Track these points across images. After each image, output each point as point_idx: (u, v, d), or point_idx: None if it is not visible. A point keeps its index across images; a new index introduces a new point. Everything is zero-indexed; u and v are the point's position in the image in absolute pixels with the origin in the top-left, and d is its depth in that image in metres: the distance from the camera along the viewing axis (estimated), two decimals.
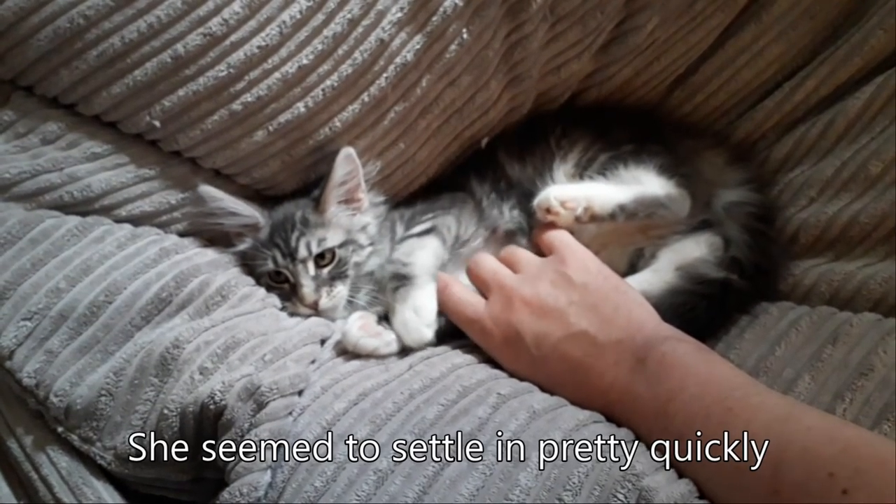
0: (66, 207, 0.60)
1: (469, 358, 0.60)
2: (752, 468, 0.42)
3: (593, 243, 0.66)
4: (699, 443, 0.45)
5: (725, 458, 0.43)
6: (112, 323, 0.55)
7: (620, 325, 0.55)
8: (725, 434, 0.44)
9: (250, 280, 0.63)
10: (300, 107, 0.62)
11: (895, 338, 0.54)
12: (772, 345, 0.59)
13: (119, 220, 0.62)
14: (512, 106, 0.74)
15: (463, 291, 0.63)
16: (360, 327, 0.60)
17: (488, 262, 0.64)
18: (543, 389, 0.56)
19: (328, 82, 0.61)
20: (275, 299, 0.63)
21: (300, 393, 0.52)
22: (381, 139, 0.67)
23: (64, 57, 0.58)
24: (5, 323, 0.53)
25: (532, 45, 0.68)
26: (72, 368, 0.53)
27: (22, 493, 0.53)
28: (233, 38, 0.59)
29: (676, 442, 0.47)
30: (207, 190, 0.63)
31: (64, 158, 0.60)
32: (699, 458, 0.45)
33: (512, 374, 0.59)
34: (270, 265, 0.65)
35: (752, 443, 0.42)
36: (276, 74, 0.60)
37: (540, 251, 0.66)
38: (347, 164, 0.65)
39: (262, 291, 0.62)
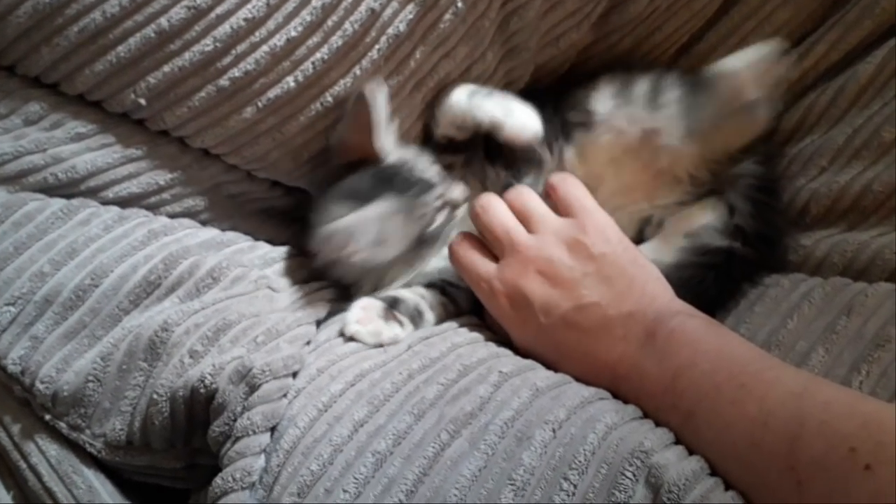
0: (51, 190, 0.58)
1: (470, 337, 0.58)
2: (767, 444, 0.40)
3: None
4: (710, 419, 0.43)
5: (738, 435, 0.41)
6: (99, 307, 0.53)
7: (633, 300, 0.53)
8: (738, 410, 0.42)
9: (243, 261, 0.60)
10: (290, 81, 0.59)
11: None
12: (783, 317, 0.57)
13: (106, 203, 0.59)
14: (509, 79, 0.72)
15: (476, 248, 0.60)
16: (358, 321, 0.58)
17: (500, 214, 0.59)
18: (547, 365, 0.54)
19: (318, 55, 0.59)
20: (269, 280, 0.60)
21: (294, 374, 0.50)
22: None
23: (45, 33, 0.56)
24: None
25: (529, 15, 0.66)
26: (58, 354, 0.52)
27: (11, 483, 0.52)
28: (218, 10, 0.56)
29: (686, 419, 0.45)
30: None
31: (47, 139, 0.58)
32: (710, 436, 0.43)
33: (515, 344, 0.57)
34: None
35: (767, 419, 0.40)
36: (264, 48, 0.58)
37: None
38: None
39: (255, 273, 0.60)
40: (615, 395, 0.50)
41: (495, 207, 0.60)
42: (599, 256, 0.56)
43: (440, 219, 0.65)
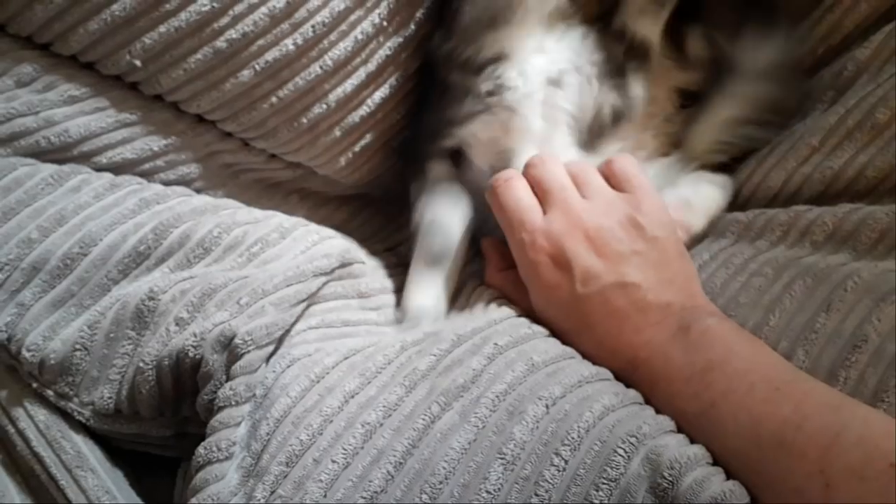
0: (44, 154, 0.54)
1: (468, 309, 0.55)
2: (798, 445, 0.38)
3: None
4: (736, 413, 0.41)
5: (766, 432, 0.39)
6: (87, 276, 0.50)
7: (674, 291, 0.50)
8: (770, 409, 0.40)
9: (236, 224, 0.56)
10: (288, 44, 0.56)
11: (891, 302, 0.48)
12: (766, 312, 0.53)
13: (99, 168, 0.56)
14: None
15: (526, 192, 0.55)
16: None
17: (557, 171, 0.55)
18: (560, 332, 0.51)
19: (318, 18, 0.56)
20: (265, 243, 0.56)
21: (280, 341, 0.47)
22: (374, 79, 0.61)
23: None
24: None
25: None
26: (45, 322, 0.48)
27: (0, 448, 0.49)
28: None
29: (707, 408, 0.42)
30: None
31: (40, 101, 0.54)
32: (732, 428, 0.41)
33: (533, 304, 0.54)
34: None
35: (802, 422, 0.39)
36: (263, 9, 0.55)
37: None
38: None
39: (251, 238, 0.56)
40: (624, 378, 0.48)
41: (553, 163, 0.56)
42: (651, 239, 0.52)
43: None
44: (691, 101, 0.69)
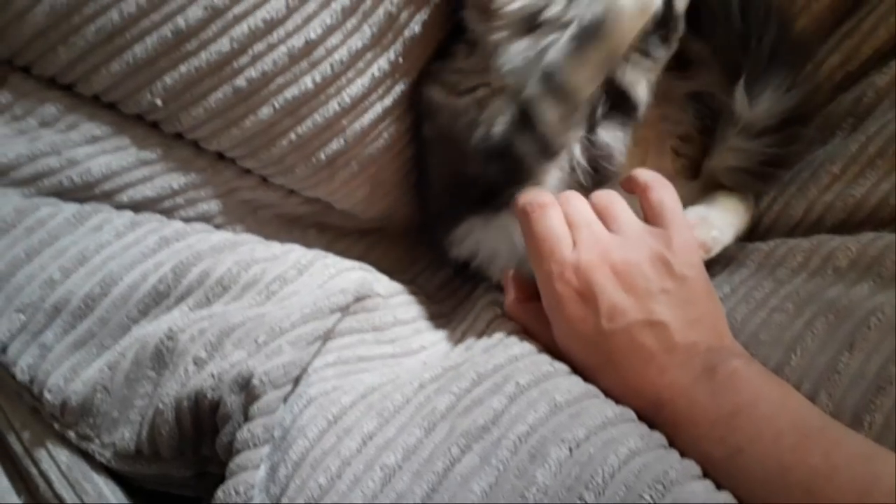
0: (66, 193, 0.55)
1: (487, 342, 0.54)
2: (830, 495, 0.36)
3: None
4: (764, 461, 0.40)
5: (794, 481, 0.38)
6: (108, 316, 0.50)
7: (701, 331, 0.49)
8: (799, 457, 0.38)
9: (255, 261, 0.56)
10: (307, 81, 0.56)
11: None
12: (787, 350, 0.52)
13: (120, 207, 0.56)
14: None
15: (560, 221, 0.53)
16: None
17: (582, 206, 0.54)
18: (583, 369, 0.50)
19: (336, 56, 0.56)
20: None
21: (297, 381, 0.47)
22: (389, 113, 0.62)
23: (61, 33, 0.53)
24: None
25: None
26: (66, 363, 0.48)
27: (22, 488, 0.49)
28: (236, 10, 0.53)
29: (734, 454, 0.41)
30: None
31: (63, 141, 0.54)
32: (760, 475, 0.40)
33: (556, 338, 0.52)
34: None
35: (833, 473, 0.38)
36: (282, 48, 0.55)
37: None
38: None
39: (269, 276, 0.55)
40: (648, 419, 0.46)
41: (579, 200, 0.54)
42: (680, 277, 0.50)
43: None
44: (709, 111, 0.68)
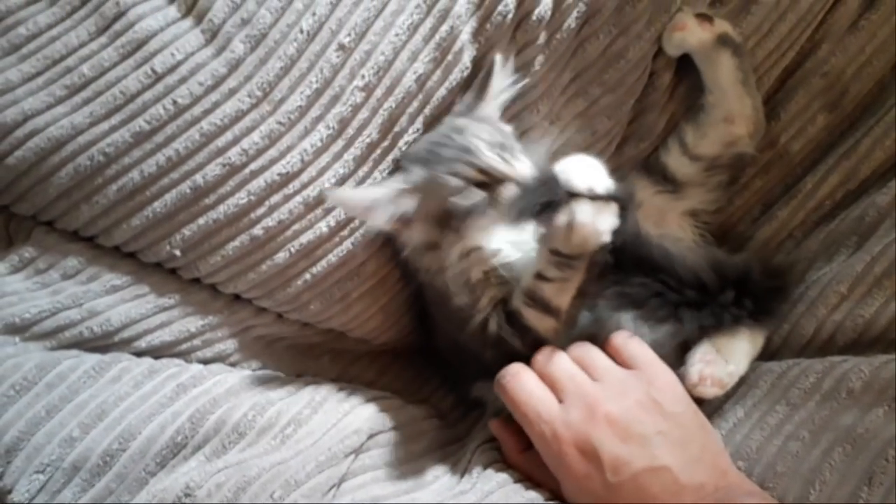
0: (86, 343, 0.55)
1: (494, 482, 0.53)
2: None
3: None
4: None
5: None
6: (125, 472, 0.49)
7: (705, 469, 0.49)
8: None
9: (269, 403, 0.56)
10: (322, 227, 0.58)
11: None
12: (806, 483, 0.51)
13: (139, 353, 0.57)
14: None
15: (536, 382, 0.54)
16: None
17: (563, 362, 0.55)
18: None
19: None
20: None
21: None
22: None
23: (84, 192, 0.54)
24: (18, 476, 0.48)
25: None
26: None
27: None
28: (252, 166, 0.55)
29: None
30: None
31: (84, 293, 0.55)
32: None
33: (565, 495, 0.52)
34: None
35: None
36: (298, 198, 0.57)
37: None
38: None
39: (284, 418, 0.56)
40: None
41: (559, 356, 0.55)
42: (671, 416, 0.51)
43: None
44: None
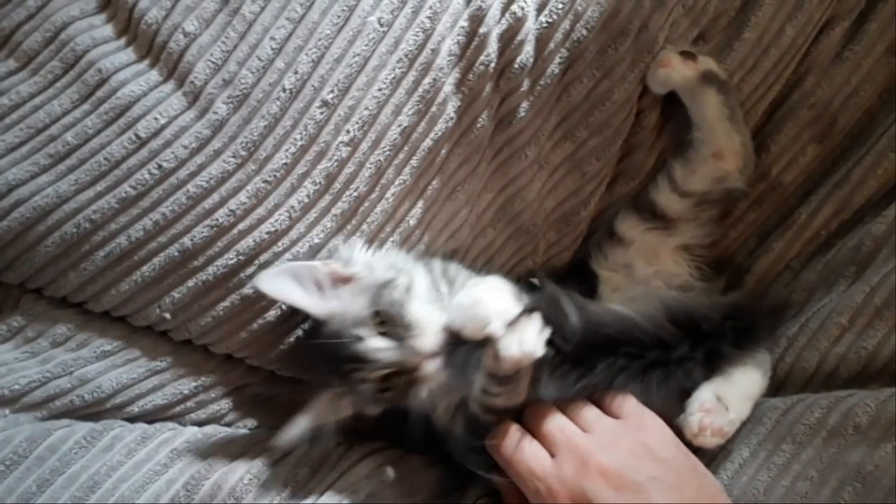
0: (78, 411, 0.55)
1: None
2: None
3: None
4: None
5: None
6: None
7: None
8: None
9: (265, 466, 0.55)
10: None
11: None
12: None
13: (132, 417, 0.56)
14: (521, 256, 0.69)
15: (528, 440, 0.54)
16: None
17: (552, 415, 0.54)
18: None
19: None
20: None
21: None
22: None
23: (72, 260, 0.54)
24: None
25: (530, 196, 0.64)
26: None
27: None
28: (240, 226, 0.54)
29: None
30: None
31: (73, 361, 0.55)
32: None
33: None
34: None
35: None
36: (287, 255, 0.56)
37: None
38: None
39: (279, 483, 0.55)
40: None
41: (550, 410, 0.54)
42: (663, 461, 0.50)
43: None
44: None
